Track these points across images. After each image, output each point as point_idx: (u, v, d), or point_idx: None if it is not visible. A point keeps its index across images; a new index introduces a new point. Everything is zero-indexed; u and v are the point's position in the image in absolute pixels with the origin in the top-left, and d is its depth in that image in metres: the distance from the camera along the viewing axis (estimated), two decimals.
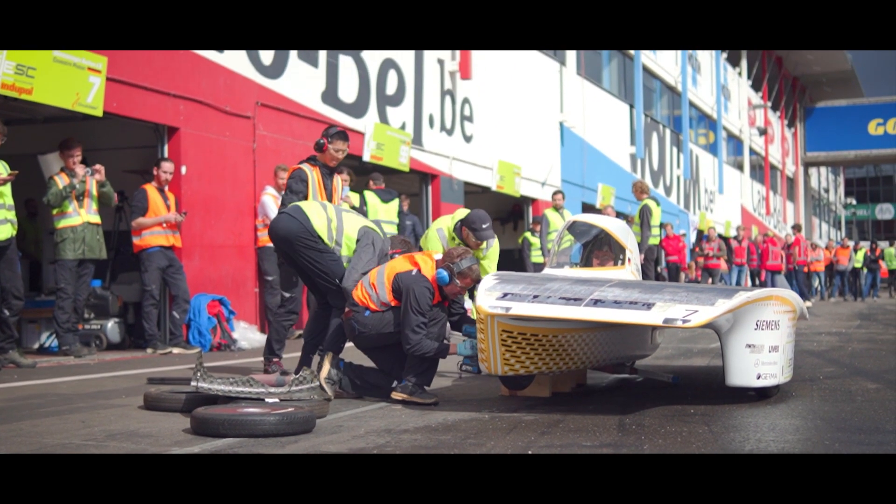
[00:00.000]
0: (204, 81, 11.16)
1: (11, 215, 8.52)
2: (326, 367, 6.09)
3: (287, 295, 7.72)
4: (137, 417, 5.50)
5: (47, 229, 11.33)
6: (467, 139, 17.43)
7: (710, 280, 23.44)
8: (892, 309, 21.61)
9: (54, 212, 9.48)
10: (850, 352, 9.58)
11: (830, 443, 4.53)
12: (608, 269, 6.73)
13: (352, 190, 12.00)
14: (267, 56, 12.18)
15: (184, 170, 10.83)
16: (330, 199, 7.18)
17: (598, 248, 6.96)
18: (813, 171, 58.93)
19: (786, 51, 44.41)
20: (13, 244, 8.57)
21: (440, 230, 7.53)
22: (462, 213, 7.40)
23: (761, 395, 6.00)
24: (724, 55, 37.38)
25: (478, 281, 5.92)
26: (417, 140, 15.63)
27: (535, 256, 17.25)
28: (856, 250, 30.27)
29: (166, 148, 10.81)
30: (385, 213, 12.64)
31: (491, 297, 5.38)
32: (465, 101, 17.34)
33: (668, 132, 30.34)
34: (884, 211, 72.55)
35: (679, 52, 31.21)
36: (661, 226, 17.25)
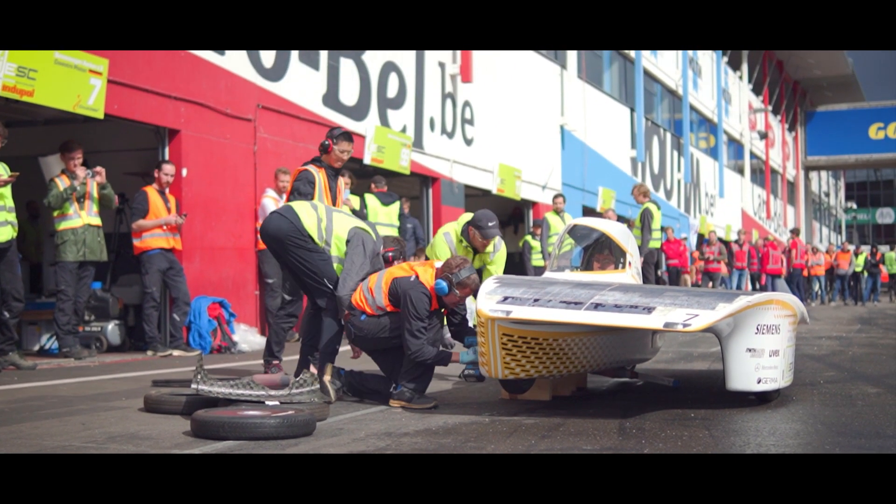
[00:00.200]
0: (205, 84, 11.17)
1: (12, 217, 8.52)
2: (328, 374, 6.09)
3: (288, 298, 7.72)
4: (137, 420, 5.49)
5: (48, 231, 11.33)
6: (468, 142, 17.43)
7: (710, 284, 23.45)
8: (893, 313, 21.60)
9: (55, 214, 9.48)
10: (851, 356, 9.58)
11: (831, 447, 4.53)
12: (609, 273, 6.73)
13: (353, 193, 12.01)
14: (268, 58, 12.19)
15: (184, 172, 10.83)
16: (334, 200, 7.17)
17: (599, 251, 6.96)
18: (813, 175, 58.94)
19: (787, 55, 44.44)
20: (13, 246, 8.57)
21: (447, 234, 7.55)
22: (468, 216, 7.43)
23: (762, 400, 6.00)
24: (725, 59, 37.40)
25: (477, 290, 5.91)
26: (418, 143, 15.64)
27: (536, 260, 17.24)
28: (856, 254, 30.27)
29: (167, 150, 10.82)
30: (385, 216, 12.64)
31: (492, 300, 5.38)
32: (466, 104, 17.34)
33: (668, 136, 30.35)
34: (884, 215, 72.53)
35: (680, 55, 31.22)
36: (662, 229, 17.26)
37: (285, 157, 12.34)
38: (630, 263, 6.90)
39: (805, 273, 28.23)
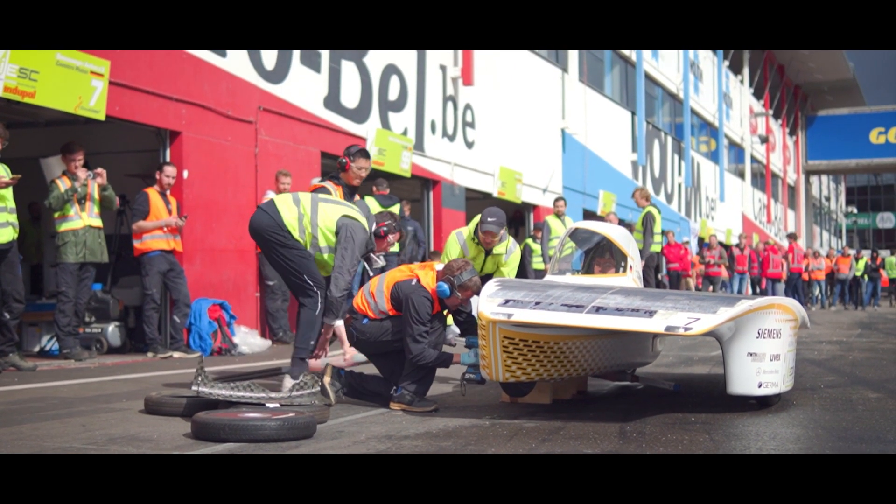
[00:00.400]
0: (206, 86, 11.17)
1: (13, 218, 8.52)
2: (328, 376, 6.09)
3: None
4: (138, 421, 5.49)
5: (49, 232, 11.33)
6: (469, 145, 17.44)
7: (710, 288, 23.46)
8: (893, 318, 21.60)
9: (56, 215, 9.48)
10: (851, 361, 9.57)
11: (831, 452, 4.53)
12: (610, 277, 6.73)
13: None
14: (269, 61, 12.19)
15: (185, 174, 10.84)
16: None
17: (600, 255, 6.96)
18: (814, 179, 58.95)
19: (788, 59, 44.48)
20: (14, 247, 8.57)
21: (459, 234, 7.58)
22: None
23: (762, 404, 5.99)
24: (726, 62, 37.42)
25: (478, 292, 5.91)
26: (419, 146, 15.64)
27: (537, 263, 17.25)
28: (857, 259, 30.28)
29: (168, 152, 10.82)
30: None
31: (493, 303, 5.38)
32: (467, 106, 17.35)
33: (669, 139, 30.35)
34: (885, 220, 72.54)
35: (681, 59, 31.24)
36: (663, 233, 17.25)
37: (286, 159, 12.34)
38: (631, 267, 6.90)
39: (805, 277, 28.23)
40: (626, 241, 7.05)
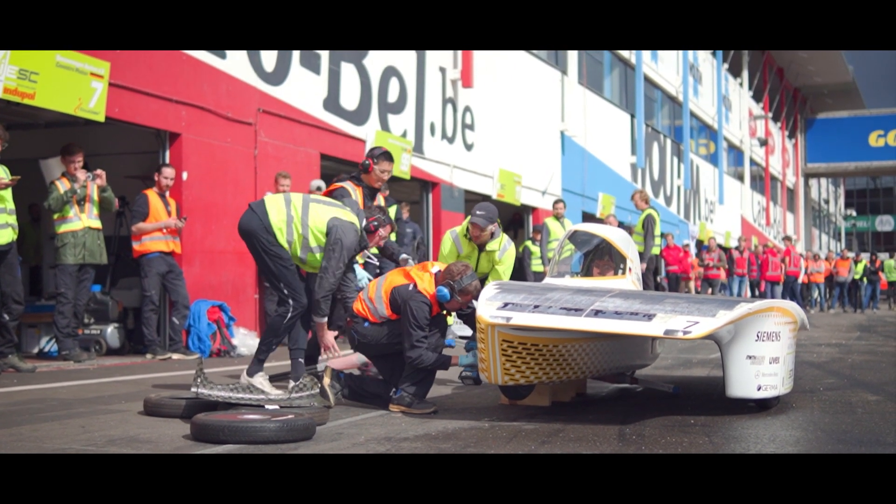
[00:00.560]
0: (206, 87, 11.18)
1: (12, 219, 8.52)
2: (327, 378, 6.09)
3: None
4: (137, 423, 5.49)
5: (48, 234, 11.33)
6: (468, 147, 17.45)
7: (709, 290, 23.47)
8: (892, 321, 21.61)
9: (55, 216, 9.48)
10: (850, 363, 9.57)
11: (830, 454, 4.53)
12: (609, 279, 6.73)
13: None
14: (269, 62, 12.20)
15: (185, 175, 10.84)
16: None
17: (599, 257, 6.96)
18: (813, 182, 58.97)
19: (787, 61, 44.50)
20: (14, 248, 8.57)
21: (453, 231, 7.61)
22: None
23: (761, 407, 6.00)
24: (726, 65, 37.44)
25: (478, 295, 5.91)
26: (418, 148, 15.65)
27: (536, 265, 17.25)
28: (856, 262, 30.29)
29: (168, 153, 10.82)
30: None
31: (492, 306, 5.38)
32: (467, 109, 17.36)
33: (668, 142, 30.37)
34: (884, 223, 72.57)
35: (680, 62, 31.26)
36: (662, 236, 17.25)
37: (286, 161, 12.34)
38: (630, 269, 6.90)
39: (805, 280, 28.24)
40: (626, 244, 7.05)
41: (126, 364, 9.46)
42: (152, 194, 10.23)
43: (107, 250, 9.92)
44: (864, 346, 12.41)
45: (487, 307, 5.37)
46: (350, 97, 13.91)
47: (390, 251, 7.41)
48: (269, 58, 12.20)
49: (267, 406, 5.39)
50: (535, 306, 5.38)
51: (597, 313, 5.30)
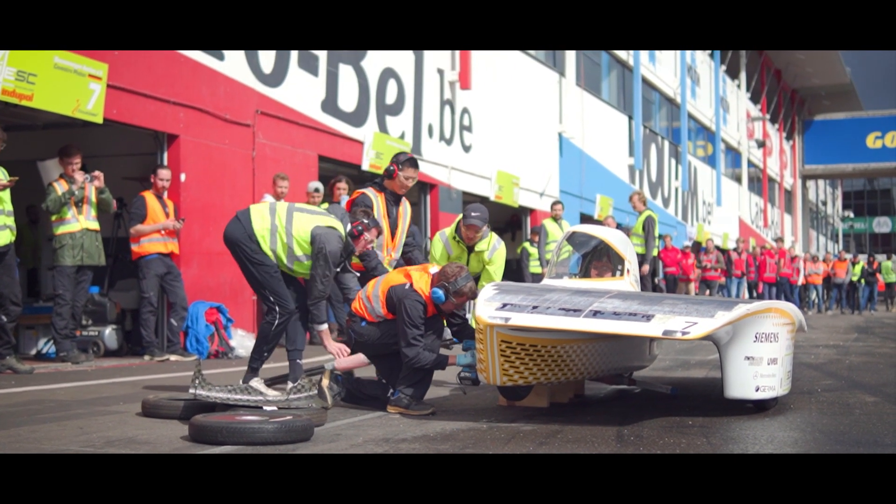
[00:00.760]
0: (204, 89, 11.18)
1: (10, 221, 8.51)
2: (325, 379, 6.09)
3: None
4: (135, 424, 5.49)
5: (46, 235, 11.33)
6: (466, 149, 17.45)
7: (707, 292, 23.47)
8: (890, 322, 21.63)
9: (53, 218, 9.47)
10: (848, 365, 9.58)
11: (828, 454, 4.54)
12: (607, 280, 6.73)
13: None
14: (267, 64, 12.20)
15: (183, 177, 10.83)
16: (395, 227, 7.03)
17: (597, 258, 6.97)
18: (811, 183, 59.00)
19: (785, 63, 44.51)
20: (11, 250, 8.57)
21: (442, 233, 7.58)
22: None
23: (760, 408, 6.00)
24: (724, 67, 37.47)
25: (474, 297, 5.91)
26: (417, 149, 15.64)
27: (534, 267, 17.24)
28: (853, 263, 30.31)
29: (166, 155, 10.82)
30: None
31: (490, 307, 5.39)
32: (465, 110, 17.36)
33: (666, 144, 30.38)
34: (881, 224, 72.63)
35: (678, 63, 31.27)
36: (660, 237, 17.25)
37: (284, 162, 12.34)
38: (628, 271, 6.90)
39: (803, 281, 28.25)
40: (624, 245, 7.05)
41: (124, 365, 9.46)
42: (149, 196, 10.23)
43: (105, 252, 9.91)
44: (862, 347, 12.43)
45: (486, 308, 5.37)
46: (348, 99, 13.92)
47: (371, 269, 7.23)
48: (267, 59, 12.20)
49: (265, 407, 5.39)
50: (534, 307, 5.39)
51: (595, 314, 5.30)
